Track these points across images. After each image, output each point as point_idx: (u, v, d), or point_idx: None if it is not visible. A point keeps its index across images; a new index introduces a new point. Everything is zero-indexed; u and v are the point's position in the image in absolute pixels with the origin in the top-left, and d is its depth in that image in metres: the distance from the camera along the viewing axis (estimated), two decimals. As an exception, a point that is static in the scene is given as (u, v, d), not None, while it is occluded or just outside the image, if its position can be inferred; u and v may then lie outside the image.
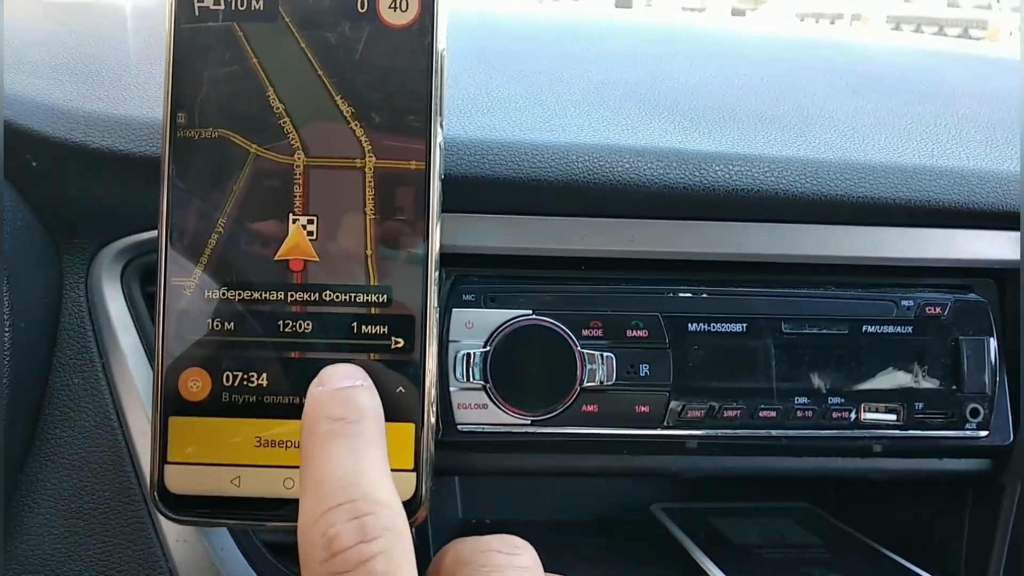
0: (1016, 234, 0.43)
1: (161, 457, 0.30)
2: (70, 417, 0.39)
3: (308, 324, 0.30)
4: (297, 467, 0.29)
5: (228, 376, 0.30)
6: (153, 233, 0.39)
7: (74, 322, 0.40)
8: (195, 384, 0.30)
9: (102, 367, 0.40)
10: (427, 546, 0.44)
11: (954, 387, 0.42)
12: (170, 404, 0.30)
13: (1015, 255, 0.43)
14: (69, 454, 0.39)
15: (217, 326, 0.30)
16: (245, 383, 0.30)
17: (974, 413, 0.42)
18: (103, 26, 0.51)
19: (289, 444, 0.29)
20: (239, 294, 0.30)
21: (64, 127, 0.38)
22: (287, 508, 0.29)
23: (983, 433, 0.42)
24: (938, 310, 0.42)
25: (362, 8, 0.30)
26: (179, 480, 0.30)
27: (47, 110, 0.39)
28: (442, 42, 0.30)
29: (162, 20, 0.30)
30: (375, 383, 0.29)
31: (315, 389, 0.27)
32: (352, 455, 0.25)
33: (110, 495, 0.39)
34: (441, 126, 0.30)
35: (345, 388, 0.27)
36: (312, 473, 0.25)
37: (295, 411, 0.29)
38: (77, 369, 0.40)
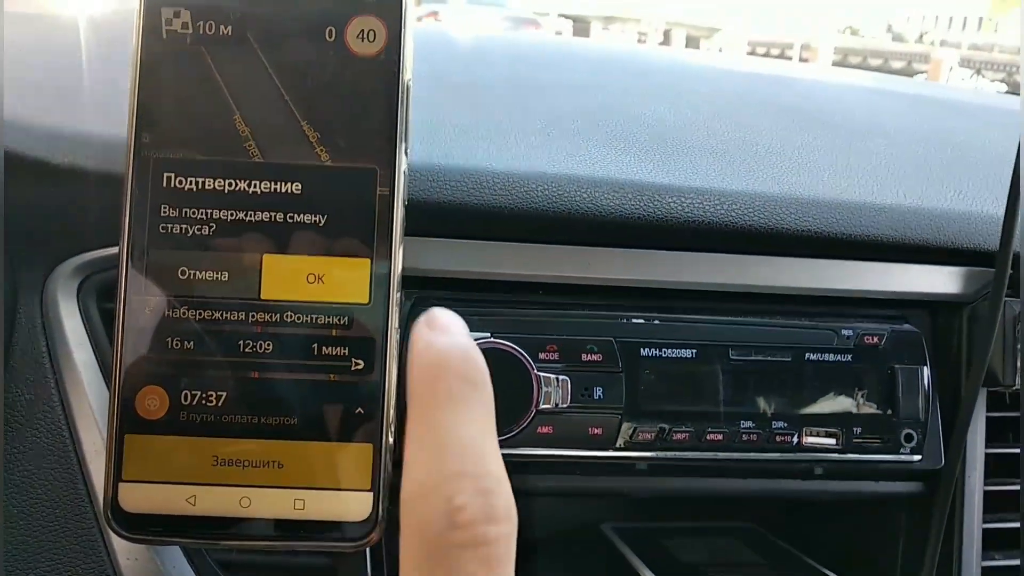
0: (950, 268, 0.46)
1: (115, 475, 0.29)
2: (21, 433, 0.39)
3: (268, 344, 0.30)
4: (254, 486, 0.29)
5: (186, 395, 0.30)
6: (111, 250, 0.39)
7: (28, 337, 0.39)
8: (152, 402, 0.30)
9: (55, 383, 0.39)
10: (380, 567, 0.44)
11: (890, 413, 0.44)
12: (126, 422, 0.30)
13: (948, 288, 0.46)
14: (19, 471, 0.39)
15: (176, 344, 0.30)
16: (203, 402, 0.30)
17: (908, 438, 0.44)
18: (58, 39, 0.51)
19: (247, 463, 0.30)
20: (200, 313, 0.30)
21: (25, 142, 0.38)
22: (242, 527, 0.29)
23: (916, 457, 0.44)
24: (875, 340, 0.44)
25: (330, 37, 0.31)
26: (133, 498, 0.29)
27: (8, 124, 0.38)
28: (408, 72, 0.31)
29: (120, 33, 0.30)
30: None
31: (438, 338, 0.24)
32: (478, 425, 0.23)
33: (61, 512, 0.38)
34: (406, 153, 0.31)
35: (470, 347, 0.24)
36: (435, 430, 0.22)
37: (253, 430, 0.30)
38: (29, 385, 0.39)
